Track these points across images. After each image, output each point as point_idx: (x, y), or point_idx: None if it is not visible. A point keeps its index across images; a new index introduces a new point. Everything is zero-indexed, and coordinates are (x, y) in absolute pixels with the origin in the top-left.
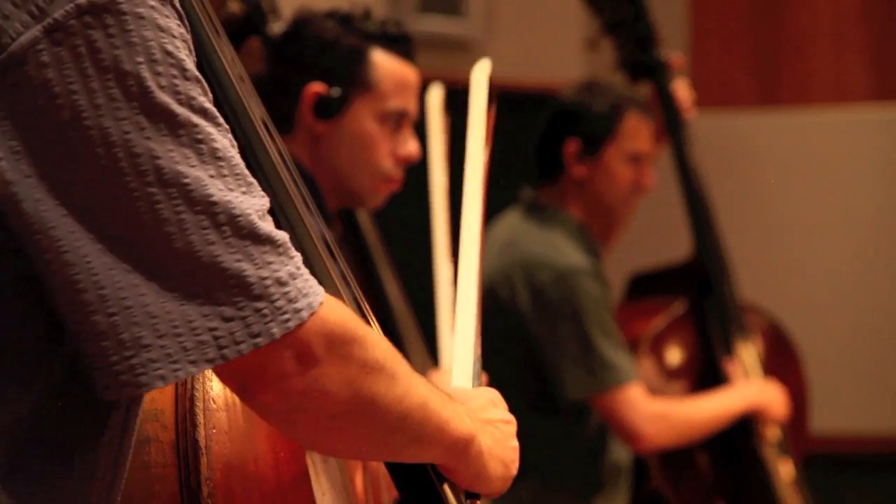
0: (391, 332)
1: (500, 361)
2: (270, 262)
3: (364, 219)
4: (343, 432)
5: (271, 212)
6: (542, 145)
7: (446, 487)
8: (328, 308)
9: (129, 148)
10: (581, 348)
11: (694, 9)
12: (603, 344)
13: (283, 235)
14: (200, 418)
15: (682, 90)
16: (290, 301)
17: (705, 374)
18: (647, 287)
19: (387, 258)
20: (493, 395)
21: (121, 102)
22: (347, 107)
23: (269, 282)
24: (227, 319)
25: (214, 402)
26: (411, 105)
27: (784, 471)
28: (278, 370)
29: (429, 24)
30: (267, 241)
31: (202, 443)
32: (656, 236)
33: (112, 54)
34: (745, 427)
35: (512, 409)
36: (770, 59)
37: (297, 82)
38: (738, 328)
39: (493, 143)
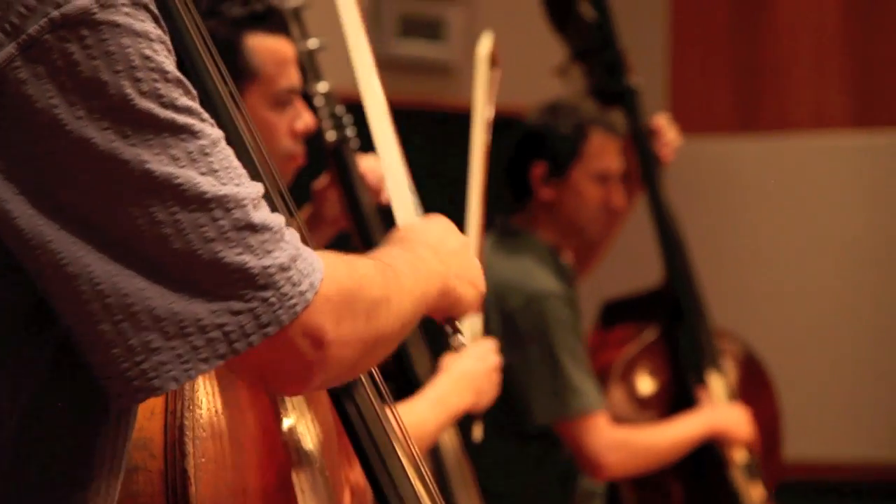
0: None
1: None
2: (271, 250)
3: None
4: (364, 364)
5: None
6: (509, 170)
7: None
8: (328, 277)
9: (117, 156)
10: (549, 372)
11: (673, 34)
12: (571, 369)
13: (278, 219)
14: (189, 447)
15: (663, 128)
16: (295, 284)
17: (677, 401)
18: (619, 314)
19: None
20: (442, 222)
21: (103, 112)
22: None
23: (272, 269)
24: (236, 313)
25: (203, 430)
26: (296, 79)
27: (754, 494)
28: (294, 355)
29: (409, 48)
30: (264, 228)
31: (191, 472)
32: (628, 264)
33: (90, 65)
34: (711, 452)
35: (485, 437)
36: (749, 85)
37: None
38: (710, 355)
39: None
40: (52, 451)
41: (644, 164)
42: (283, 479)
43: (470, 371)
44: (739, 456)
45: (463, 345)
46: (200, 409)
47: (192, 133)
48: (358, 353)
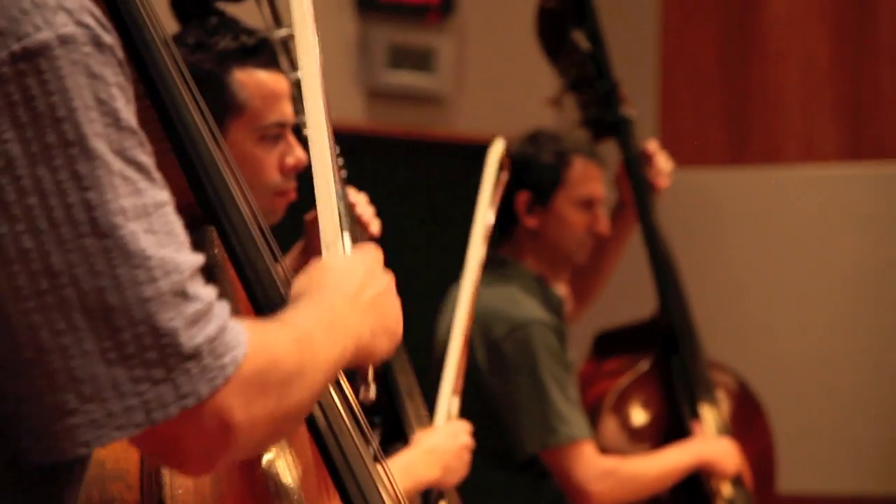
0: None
1: (464, 418)
2: (200, 321)
3: None
4: (270, 440)
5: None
6: None
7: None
8: (249, 354)
9: (64, 198)
10: (535, 401)
11: (663, 67)
12: (557, 397)
13: (210, 293)
14: (166, 479)
15: (655, 153)
16: (217, 357)
17: (670, 432)
18: (612, 345)
19: None
20: (367, 260)
21: (55, 150)
22: (224, 134)
23: (199, 340)
24: (157, 382)
25: None
26: (287, 113)
27: None
28: (201, 433)
29: (398, 78)
30: (198, 299)
31: (168, 502)
32: (622, 294)
33: (46, 101)
34: (699, 484)
35: (474, 467)
36: (739, 117)
37: None
38: (703, 387)
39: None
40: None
41: (638, 195)
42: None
43: (440, 447)
44: (726, 490)
45: (370, 397)
46: None
47: (140, 189)
48: (265, 433)
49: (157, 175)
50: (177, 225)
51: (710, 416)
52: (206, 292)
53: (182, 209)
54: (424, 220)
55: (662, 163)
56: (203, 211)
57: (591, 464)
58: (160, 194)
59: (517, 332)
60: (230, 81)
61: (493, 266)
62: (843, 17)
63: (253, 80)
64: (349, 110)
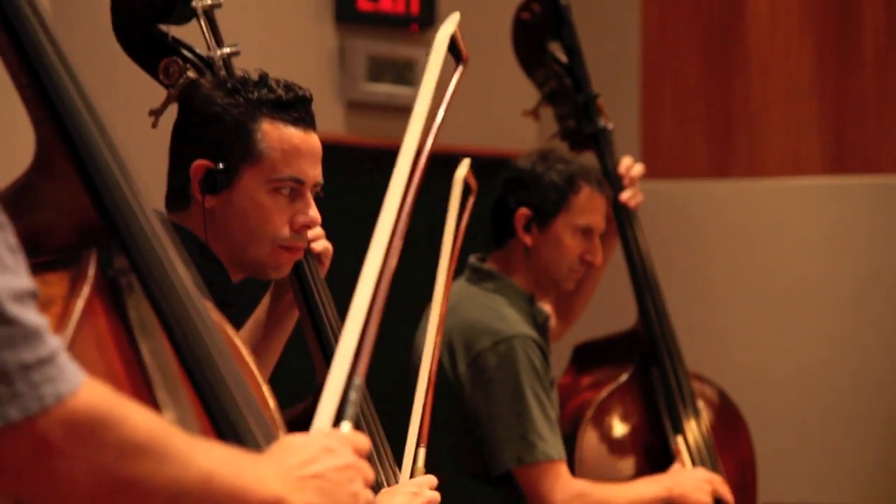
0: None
1: (441, 431)
2: (16, 347)
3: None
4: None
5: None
6: (494, 209)
7: None
8: (83, 395)
9: None
10: (515, 414)
11: (645, 79)
12: (535, 414)
13: (38, 321)
14: None
15: (628, 166)
16: (33, 387)
17: (651, 444)
18: (592, 356)
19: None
20: (331, 440)
21: None
22: (236, 180)
23: (11, 366)
24: None
25: None
26: (307, 171)
27: None
28: (14, 457)
29: (378, 90)
30: (15, 323)
31: None
32: (602, 306)
33: None
34: None
35: (454, 481)
36: (722, 130)
37: (186, 157)
38: (684, 398)
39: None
40: None
41: (617, 207)
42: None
43: None
44: None
45: None
46: None
47: None
48: (97, 485)
49: None
50: (5, 249)
51: (691, 429)
52: (33, 319)
53: (86, 226)
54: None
55: (636, 174)
56: (107, 228)
57: (563, 485)
58: None
59: (501, 346)
60: (254, 130)
61: (481, 279)
62: (827, 30)
63: (278, 132)
64: (328, 122)
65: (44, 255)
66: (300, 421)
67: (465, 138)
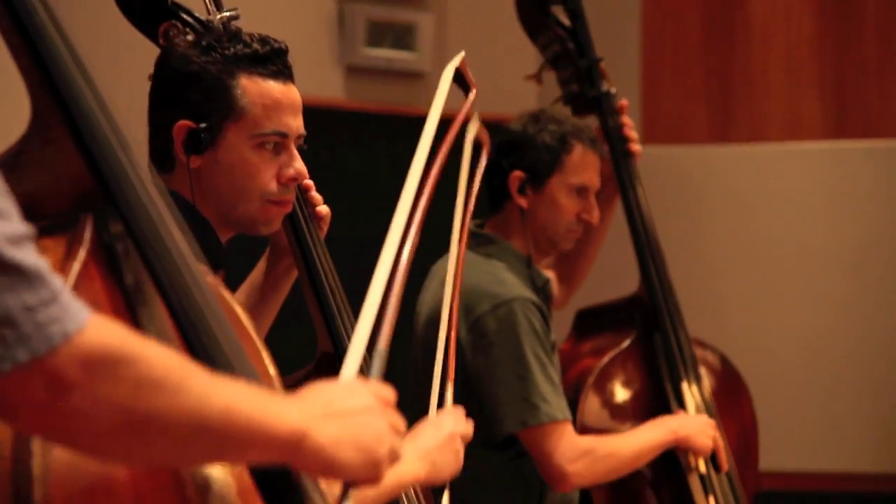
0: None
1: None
2: (17, 290)
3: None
4: (129, 447)
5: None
6: (488, 174)
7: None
8: (91, 332)
9: None
10: (517, 377)
11: (646, 45)
12: (537, 376)
13: (38, 262)
14: (36, 448)
15: (627, 125)
16: (39, 328)
17: (653, 409)
18: (594, 322)
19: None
20: (356, 385)
21: None
22: (220, 138)
23: (14, 309)
24: None
25: None
26: (289, 124)
27: None
28: (29, 397)
29: (378, 55)
30: (14, 267)
31: (36, 472)
32: (604, 271)
33: None
34: (676, 460)
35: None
36: (723, 94)
37: (167, 119)
38: (686, 364)
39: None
40: None
41: (619, 170)
42: (163, 486)
43: (423, 444)
44: (701, 466)
45: None
46: None
47: None
48: (114, 421)
49: None
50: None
51: (692, 393)
52: (32, 261)
53: (82, 191)
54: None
55: (631, 127)
56: (102, 193)
57: (569, 444)
58: None
59: (501, 309)
60: (233, 86)
61: (480, 243)
62: None
63: (257, 87)
64: (328, 86)
65: (40, 220)
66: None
67: (460, 103)
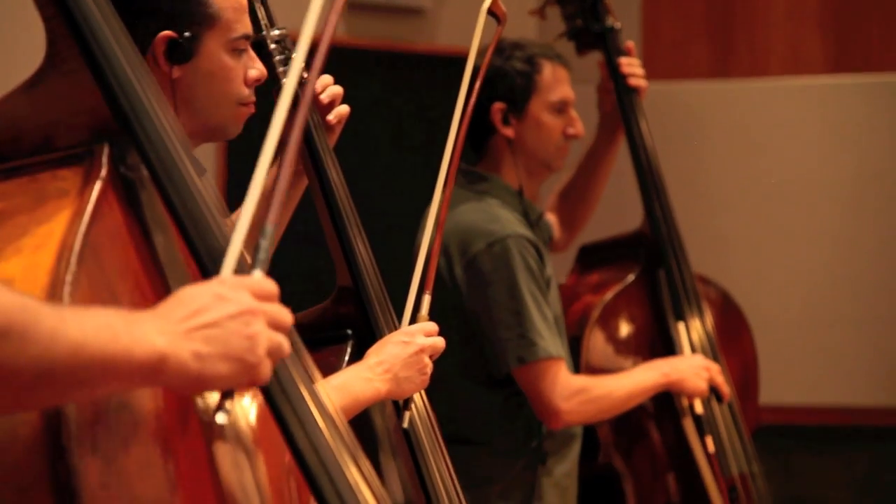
0: (359, 291)
1: (444, 337)
2: None
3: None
4: None
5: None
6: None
7: None
8: None
9: None
10: (513, 314)
11: None
12: (532, 313)
13: None
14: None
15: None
16: None
17: (656, 345)
18: (597, 258)
19: (355, 216)
20: (223, 288)
21: None
22: (200, 46)
23: None
24: None
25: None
26: (249, 26)
27: (708, 445)
28: None
29: None
30: None
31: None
32: (607, 207)
33: None
34: (671, 401)
35: (460, 386)
36: (724, 29)
37: (147, 32)
38: (689, 299)
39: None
40: None
41: (623, 105)
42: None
43: (387, 358)
44: (697, 407)
45: (220, 423)
46: None
47: None
48: None
49: None
50: None
51: (695, 328)
52: None
53: (98, 123)
54: (405, 132)
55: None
56: (119, 124)
57: (563, 382)
58: None
59: (495, 247)
60: None
61: (471, 181)
62: None
63: None
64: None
65: (57, 150)
66: (318, 323)
67: (470, 39)
